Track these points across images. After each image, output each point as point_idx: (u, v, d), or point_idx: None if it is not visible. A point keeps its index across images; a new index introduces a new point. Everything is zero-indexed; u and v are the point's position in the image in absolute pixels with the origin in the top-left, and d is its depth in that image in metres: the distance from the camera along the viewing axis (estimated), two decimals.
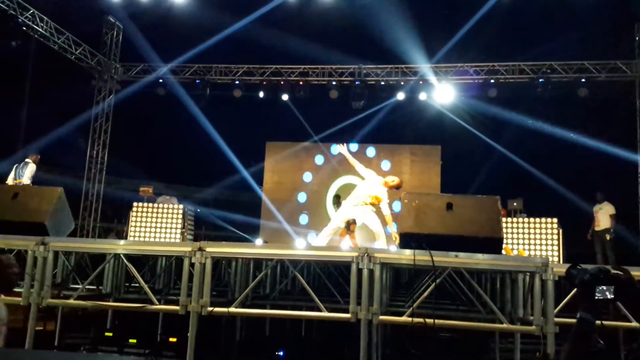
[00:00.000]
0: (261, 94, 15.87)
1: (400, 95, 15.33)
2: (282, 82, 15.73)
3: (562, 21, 13.65)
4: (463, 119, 15.22)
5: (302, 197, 16.69)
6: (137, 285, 6.90)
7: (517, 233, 11.27)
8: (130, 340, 7.06)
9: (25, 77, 16.74)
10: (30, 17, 13.27)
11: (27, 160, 10.92)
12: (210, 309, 5.46)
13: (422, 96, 15.24)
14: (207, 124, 15.66)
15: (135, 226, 12.43)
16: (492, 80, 14.68)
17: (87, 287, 6.40)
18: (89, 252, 6.95)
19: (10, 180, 10.66)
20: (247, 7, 14.13)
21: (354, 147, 15.88)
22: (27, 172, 10.66)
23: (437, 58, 14.92)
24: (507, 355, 7.27)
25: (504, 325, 5.49)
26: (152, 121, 16.04)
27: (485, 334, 7.87)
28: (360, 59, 15.20)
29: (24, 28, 13.24)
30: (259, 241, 14.35)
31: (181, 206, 12.81)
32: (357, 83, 15.25)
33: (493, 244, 5.43)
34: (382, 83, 15.35)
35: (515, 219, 11.71)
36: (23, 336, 6.91)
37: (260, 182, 16.87)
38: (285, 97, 15.77)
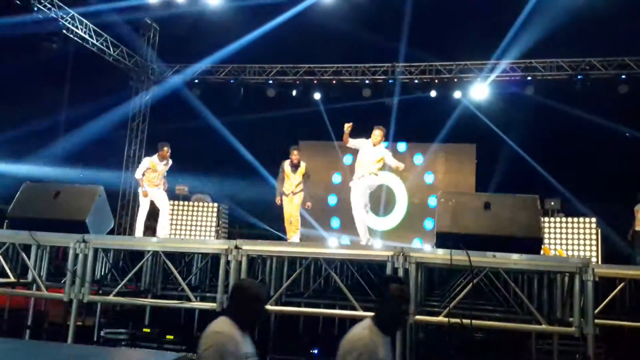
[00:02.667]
0: (294, 93, 15.91)
1: (434, 94, 15.17)
2: (315, 82, 15.75)
3: (600, 17, 13.32)
4: (499, 117, 14.98)
5: (332, 199, 16.62)
6: (175, 282, 7.02)
7: (555, 233, 11.06)
8: (168, 337, 7.18)
9: (65, 78, 17.14)
10: (70, 19, 13.60)
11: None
12: None
13: (457, 94, 15.05)
14: (241, 123, 15.79)
15: (171, 224, 12.61)
16: (529, 78, 14.42)
17: (125, 283, 6.52)
18: (128, 250, 7.10)
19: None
20: (280, 6, 14.18)
21: (402, 146, 15.82)
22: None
23: (472, 55, 14.73)
24: (544, 357, 7.15)
25: (543, 326, 5.40)
26: (187, 121, 16.24)
27: (522, 335, 7.76)
28: (394, 57, 15.09)
29: (64, 31, 13.57)
30: (294, 239, 14.37)
31: (215, 204, 12.95)
32: (390, 82, 15.16)
33: (532, 244, 5.34)
34: (416, 81, 15.22)
35: (553, 219, 11.49)
36: (64, 331, 7.09)
37: None
38: (317, 96, 15.79)
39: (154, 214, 9.42)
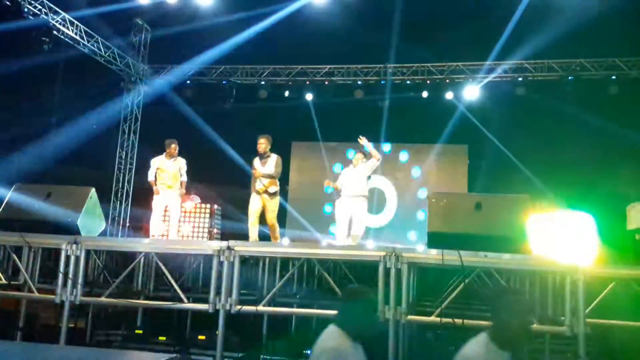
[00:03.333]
0: (286, 94, 15.93)
1: (426, 94, 15.23)
2: (307, 83, 15.78)
3: (591, 18, 13.41)
4: (490, 118, 15.05)
5: (328, 208, 16.49)
6: (167, 283, 7.00)
7: (549, 232, 11.10)
8: (160, 338, 7.16)
9: (56, 80, 17.06)
10: (61, 21, 13.55)
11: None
12: (238, 307, 5.51)
13: (449, 95, 15.11)
14: (233, 124, 15.77)
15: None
16: (520, 78, 14.51)
17: (117, 285, 6.50)
18: (120, 251, 7.08)
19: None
20: (272, 7, 14.17)
21: (387, 147, 15.88)
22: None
23: (463, 56, 14.79)
24: (536, 356, 7.18)
25: (534, 326, 5.43)
26: (179, 122, 16.19)
27: None
28: (386, 58, 15.13)
29: (55, 32, 13.51)
30: (285, 240, 14.41)
31: (208, 205, 12.93)
32: (382, 82, 15.21)
33: (523, 244, 5.38)
34: (408, 82, 15.27)
35: (546, 217, 11.53)
36: (56, 333, 7.06)
37: (285, 181, 16.93)
38: (310, 97, 15.81)
39: (147, 216, 9.36)
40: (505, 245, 5.31)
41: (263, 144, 8.06)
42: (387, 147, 16.55)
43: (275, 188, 8.01)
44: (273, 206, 8.01)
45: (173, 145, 8.95)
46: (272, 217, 8.02)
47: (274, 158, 8.09)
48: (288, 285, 8.44)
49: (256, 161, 8.14)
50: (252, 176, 8.14)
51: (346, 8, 13.72)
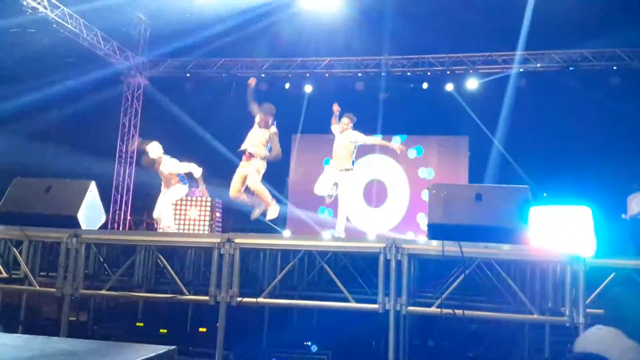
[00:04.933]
0: (287, 87, 15.89)
1: (426, 86, 15.19)
2: (307, 75, 15.74)
3: (593, 7, 13.33)
4: (491, 109, 15.01)
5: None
6: (168, 276, 7.01)
7: (547, 223, 11.09)
8: (161, 331, 7.18)
9: (55, 74, 17.04)
10: (60, 14, 13.50)
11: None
12: (239, 299, 5.52)
13: (449, 87, 15.07)
14: (234, 116, 15.74)
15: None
16: (522, 70, 14.46)
17: (118, 278, 6.51)
18: (120, 244, 7.08)
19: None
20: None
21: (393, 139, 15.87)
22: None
23: (464, 47, 14.74)
24: (537, 346, 7.19)
25: (534, 316, 5.43)
26: (178, 115, 16.18)
27: (514, 326, 7.80)
28: (386, 49, 15.08)
29: (54, 25, 13.48)
30: (286, 232, 14.43)
31: (209, 198, 12.93)
32: (382, 74, 15.17)
33: (523, 235, 5.37)
34: (409, 74, 15.23)
35: (544, 208, 11.52)
36: (57, 326, 7.08)
37: (286, 174, 16.93)
38: (309, 89, 15.78)
39: (148, 209, 9.32)
40: (505, 236, 5.30)
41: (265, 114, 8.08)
42: (395, 139, 16.51)
43: (263, 151, 7.83)
44: (252, 170, 7.72)
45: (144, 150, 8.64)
46: (252, 181, 7.72)
47: (273, 128, 8.06)
48: (289, 277, 8.44)
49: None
50: None
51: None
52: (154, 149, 8.49)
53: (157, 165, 8.58)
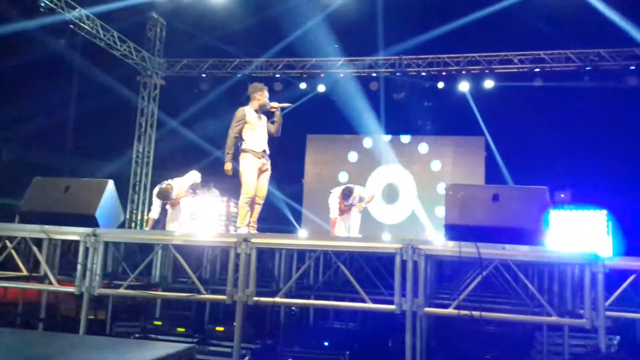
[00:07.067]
0: (302, 87, 15.90)
1: (442, 85, 15.13)
2: (322, 75, 15.74)
3: (609, 6, 13.20)
4: (507, 109, 14.92)
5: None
6: (185, 275, 7.05)
7: (565, 225, 11.03)
8: (179, 329, 7.22)
9: (73, 74, 17.22)
10: (77, 15, 13.64)
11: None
12: (256, 298, 5.53)
13: (465, 86, 14.99)
14: None
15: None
16: (537, 69, 14.35)
17: (136, 277, 6.56)
18: (138, 243, 7.13)
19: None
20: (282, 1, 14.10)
21: (406, 138, 15.85)
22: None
23: (478, 47, 14.66)
24: (555, 349, 7.14)
25: (553, 318, 5.39)
26: (195, 115, 16.28)
27: (532, 328, 7.75)
28: (401, 49, 15.04)
29: (71, 26, 13.62)
30: (302, 232, 14.47)
31: (224, 198, 12.98)
32: (397, 74, 15.13)
33: (541, 236, 5.32)
34: (423, 74, 15.18)
35: (562, 211, 11.45)
36: (76, 324, 7.14)
37: (301, 174, 16.96)
38: (323, 88, 15.78)
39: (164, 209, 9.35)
40: (523, 237, 5.26)
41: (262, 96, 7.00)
42: (405, 138, 16.57)
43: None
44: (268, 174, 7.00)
45: (168, 197, 8.44)
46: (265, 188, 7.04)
47: (278, 115, 7.06)
48: (304, 277, 8.47)
49: (249, 112, 6.99)
50: (236, 132, 6.93)
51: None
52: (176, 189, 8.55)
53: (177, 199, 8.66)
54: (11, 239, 6.34)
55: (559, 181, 13.20)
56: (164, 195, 8.30)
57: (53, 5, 12.89)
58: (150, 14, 16.17)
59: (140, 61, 16.08)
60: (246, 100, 7.12)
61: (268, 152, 6.94)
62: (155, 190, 8.46)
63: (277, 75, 15.85)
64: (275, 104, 7.01)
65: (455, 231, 5.45)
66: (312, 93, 15.83)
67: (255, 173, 6.73)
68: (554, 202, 11.98)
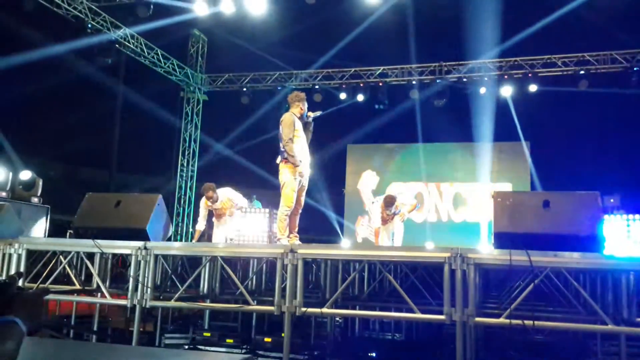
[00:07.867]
0: (341, 97, 15.95)
1: (484, 91, 14.93)
2: (361, 85, 15.77)
3: None
4: (552, 113, 14.62)
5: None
6: (232, 287, 7.11)
7: (616, 231, 10.69)
8: (228, 340, 7.29)
9: (119, 91, 17.74)
10: (122, 34, 14.06)
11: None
12: (304, 309, 5.54)
13: (507, 91, 14.76)
14: None
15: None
16: (582, 72, 14.03)
17: (184, 288, 6.66)
18: (187, 256, 7.25)
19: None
20: (320, 12, 14.18)
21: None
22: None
23: (521, 51, 14.44)
24: (611, 359, 6.91)
25: (609, 327, 5.22)
26: (238, 128, 16.52)
27: (584, 336, 7.53)
28: (442, 55, 14.95)
29: (117, 45, 14.05)
30: (345, 242, 14.45)
31: (267, 210, 13.06)
32: (438, 81, 15.03)
33: (594, 242, 5.19)
34: (465, 80, 15.03)
35: (611, 216, 11.11)
36: (125, 336, 7.30)
37: (343, 185, 16.97)
38: (361, 98, 15.78)
39: (209, 221, 9.53)
40: (575, 244, 5.13)
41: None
42: (446, 146, 16.45)
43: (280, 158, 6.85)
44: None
45: (209, 192, 8.84)
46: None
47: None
48: (349, 287, 8.43)
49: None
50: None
51: (398, 8, 13.65)
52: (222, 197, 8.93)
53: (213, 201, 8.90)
54: (65, 253, 6.53)
55: (607, 186, 12.83)
56: (207, 189, 8.71)
57: (99, 27, 13.32)
58: (192, 31, 16.53)
59: (183, 77, 16.44)
60: (286, 110, 7.18)
61: (309, 160, 6.98)
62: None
63: (317, 87, 15.94)
64: (311, 114, 7.09)
65: (504, 239, 5.35)
66: (351, 101, 15.86)
67: (296, 185, 6.75)
68: (604, 207, 11.65)
